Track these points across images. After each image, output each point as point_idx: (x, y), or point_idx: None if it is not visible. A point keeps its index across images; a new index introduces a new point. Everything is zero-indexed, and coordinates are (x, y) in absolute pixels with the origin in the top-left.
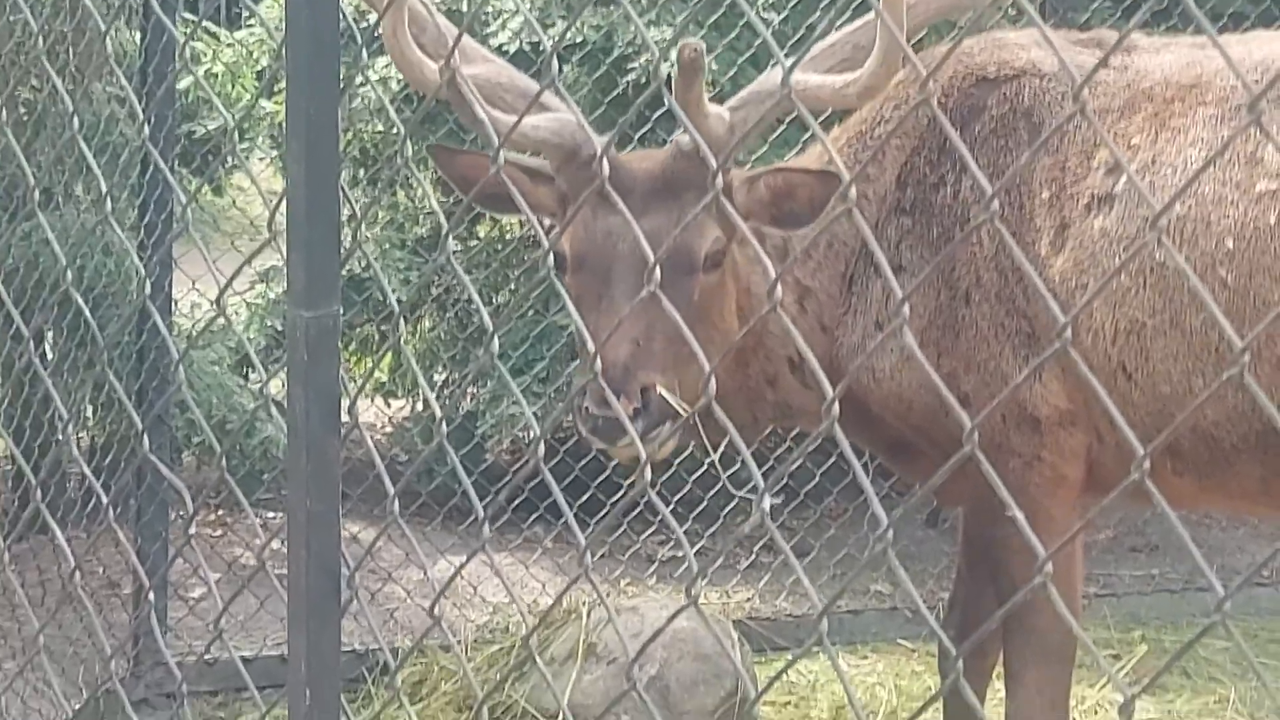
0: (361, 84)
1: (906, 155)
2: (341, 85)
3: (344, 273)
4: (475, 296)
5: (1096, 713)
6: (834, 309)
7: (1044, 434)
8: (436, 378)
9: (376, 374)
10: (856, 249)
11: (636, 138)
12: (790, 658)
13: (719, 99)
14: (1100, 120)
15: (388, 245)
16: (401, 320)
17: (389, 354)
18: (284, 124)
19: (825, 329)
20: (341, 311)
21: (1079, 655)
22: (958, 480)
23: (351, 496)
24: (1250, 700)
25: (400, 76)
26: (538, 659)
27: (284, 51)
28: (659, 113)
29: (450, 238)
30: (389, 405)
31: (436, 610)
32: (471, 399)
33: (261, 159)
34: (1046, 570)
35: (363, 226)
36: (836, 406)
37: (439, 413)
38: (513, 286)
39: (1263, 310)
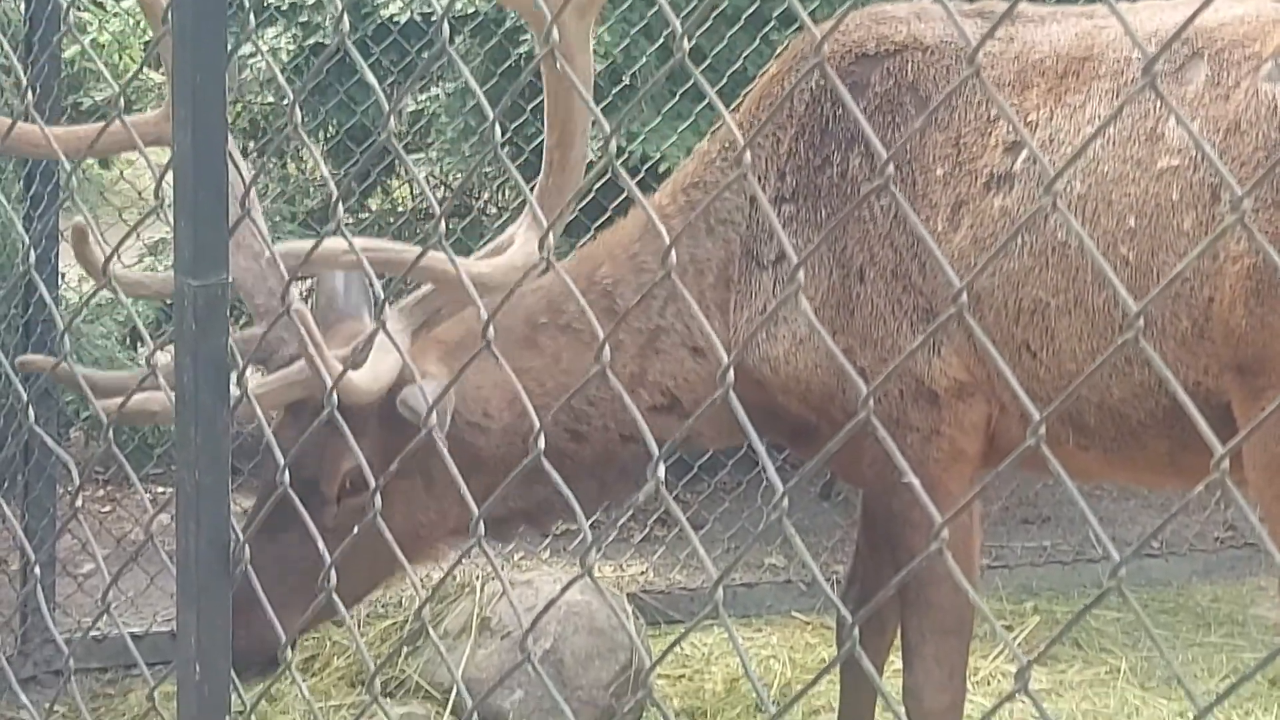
0: (251, 54)
1: (787, 143)
2: (230, 53)
3: None
4: (367, 266)
5: (990, 683)
6: (702, 326)
7: (942, 408)
8: None
9: None
10: (727, 256)
11: (529, 109)
12: (684, 630)
13: (613, 73)
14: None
15: (278, 218)
16: (292, 288)
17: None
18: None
19: (698, 349)
20: (230, 280)
21: (973, 627)
22: (855, 456)
23: (243, 471)
24: (1141, 670)
25: (291, 47)
26: (431, 632)
27: (170, 16)
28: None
29: (340, 206)
30: None
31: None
32: None
33: None
34: (943, 536)
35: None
36: (731, 374)
37: (330, 382)
38: None
39: (1167, 287)
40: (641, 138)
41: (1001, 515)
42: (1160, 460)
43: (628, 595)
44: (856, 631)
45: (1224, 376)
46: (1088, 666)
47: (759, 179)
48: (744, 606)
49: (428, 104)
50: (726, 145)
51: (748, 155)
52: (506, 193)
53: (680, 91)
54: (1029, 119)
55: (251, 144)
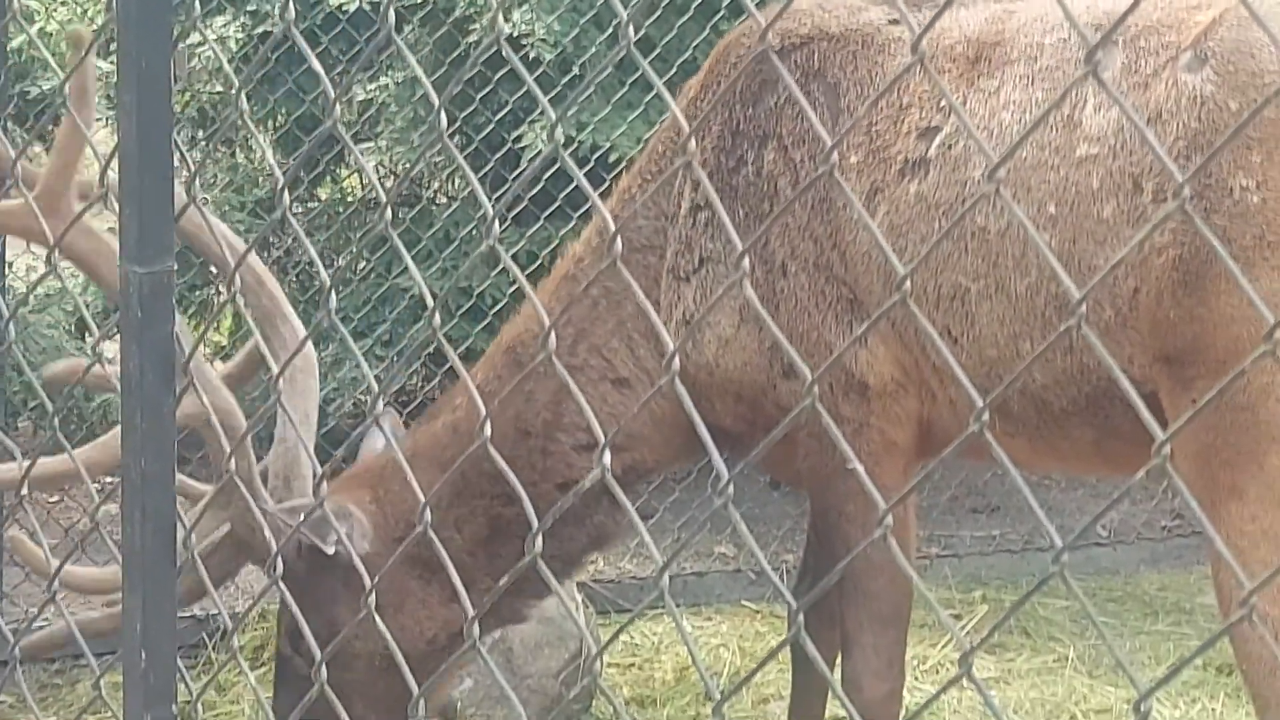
0: (200, 43)
1: (700, 153)
2: (175, 39)
3: None
4: (314, 254)
5: (938, 671)
6: (626, 356)
7: (871, 400)
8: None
9: (216, 337)
10: (650, 281)
11: (478, 98)
12: (629, 617)
13: (563, 63)
14: (906, 81)
15: (227, 207)
16: (238, 278)
17: (230, 317)
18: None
19: (621, 380)
20: (175, 268)
21: (922, 615)
22: (789, 452)
23: (191, 460)
24: (1089, 658)
25: (240, 35)
26: (378, 621)
27: (114, 3)
28: (501, 72)
29: (286, 193)
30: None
31: (276, 571)
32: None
33: (98, 119)
34: (887, 523)
35: (198, 185)
36: (677, 361)
37: (276, 370)
38: (353, 249)
39: (1086, 274)
40: (591, 128)
41: (950, 505)
42: (1086, 448)
43: (577, 584)
44: (800, 619)
45: (1152, 367)
46: (1036, 655)
47: (675, 194)
48: (694, 595)
49: (377, 93)
50: (646, 179)
51: (692, 143)
52: (456, 182)
53: (630, 81)
54: (943, 104)
55: (200, 133)
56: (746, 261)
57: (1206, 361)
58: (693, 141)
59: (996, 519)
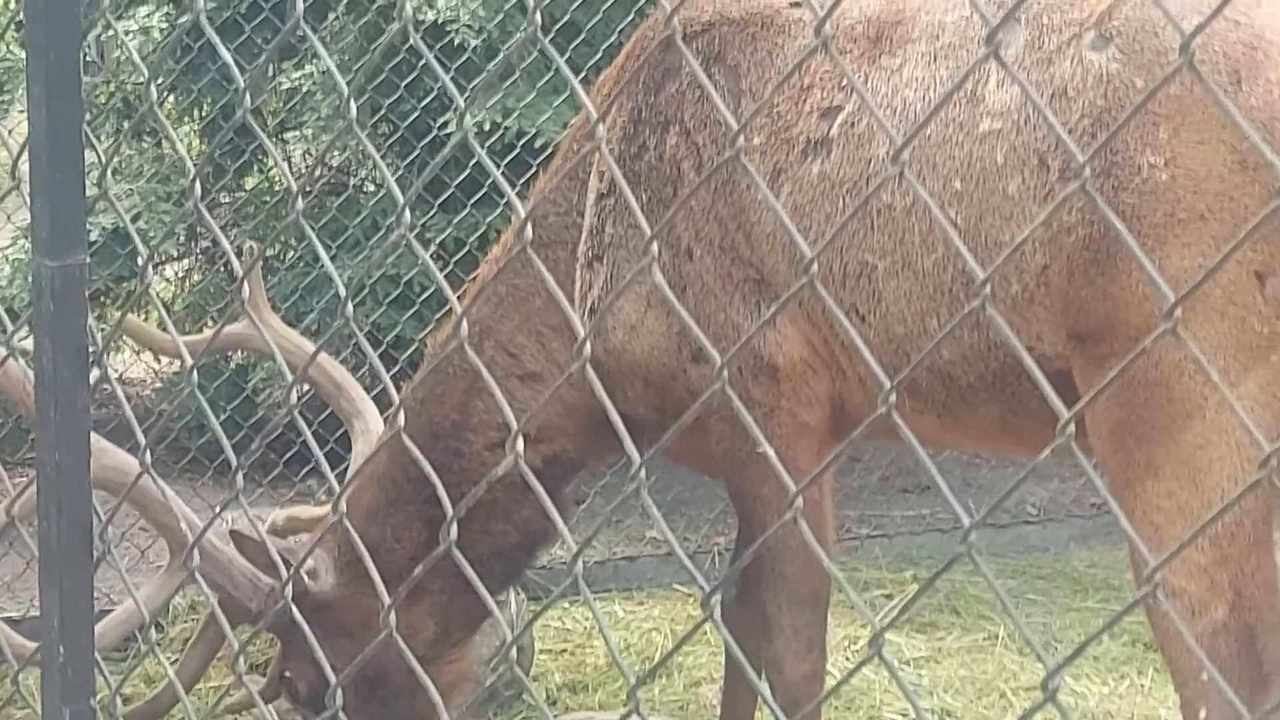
0: (124, 32)
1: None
2: (84, 31)
3: (108, 225)
4: (228, 248)
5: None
6: (535, 352)
7: (782, 383)
8: (206, 331)
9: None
10: (561, 277)
11: (403, 85)
12: (566, 605)
13: (489, 49)
14: (808, 63)
15: (153, 198)
16: (151, 269)
17: (161, 309)
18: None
19: (530, 375)
20: (88, 260)
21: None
22: (701, 439)
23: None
24: (1019, 636)
25: (164, 25)
26: (295, 612)
27: None
28: (425, 60)
29: (198, 185)
30: (159, 361)
31: (192, 563)
32: (242, 352)
33: (21, 112)
34: (797, 505)
35: (110, 175)
36: (589, 348)
37: (189, 360)
38: (280, 238)
39: (994, 250)
40: (517, 113)
41: (881, 485)
42: (993, 425)
43: None
44: (715, 601)
45: (1064, 344)
46: (966, 633)
47: (582, 186)
48: (626, 579)
49: (302, 81)
50: (564, 180)
51: (600, 129)
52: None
53: (556, 66)
54: (845, 83)
55: (125, 123)
56: (655, 246)
57: (1120, 339)
58: (601, 126)
59: (927, 499)
